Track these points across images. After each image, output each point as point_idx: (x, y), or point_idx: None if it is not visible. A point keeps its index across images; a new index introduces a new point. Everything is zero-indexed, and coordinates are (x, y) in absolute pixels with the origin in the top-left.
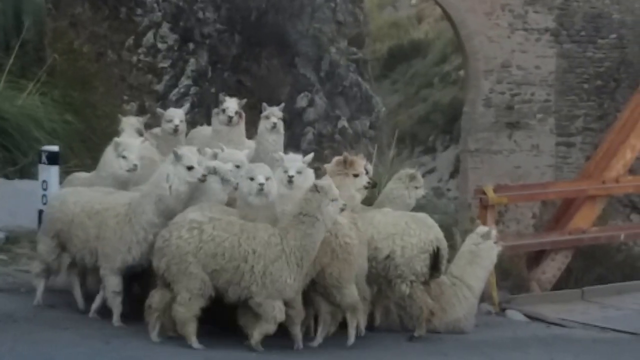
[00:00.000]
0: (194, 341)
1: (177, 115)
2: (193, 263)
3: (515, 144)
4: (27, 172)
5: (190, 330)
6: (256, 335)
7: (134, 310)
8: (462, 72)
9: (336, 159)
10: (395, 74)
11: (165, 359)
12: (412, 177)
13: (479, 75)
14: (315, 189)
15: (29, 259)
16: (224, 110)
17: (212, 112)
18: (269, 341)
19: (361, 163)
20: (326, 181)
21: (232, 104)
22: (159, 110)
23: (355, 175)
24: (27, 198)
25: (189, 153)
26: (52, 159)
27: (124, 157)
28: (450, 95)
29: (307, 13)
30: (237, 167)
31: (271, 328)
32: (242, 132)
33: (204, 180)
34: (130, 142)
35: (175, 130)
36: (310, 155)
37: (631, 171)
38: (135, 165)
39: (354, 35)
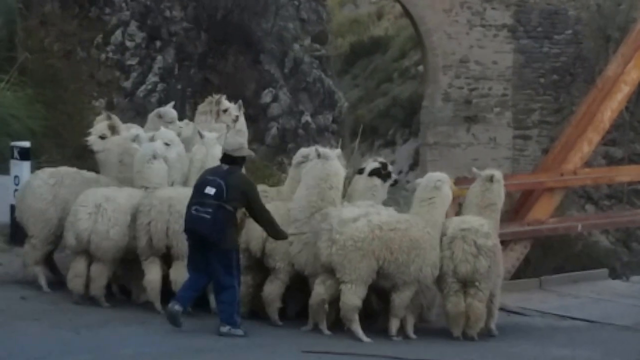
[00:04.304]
0: None
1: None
2: None
3: (473, 137)
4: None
5: None
6: None
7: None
8: (421, 68)
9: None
10: (356, 69)
11: (134, 348)
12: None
13: (437, 70)
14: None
15: (2, 251)
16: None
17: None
18: None
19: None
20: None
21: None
22: (160, 109)
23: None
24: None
25: None
26: (24, 154)
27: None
28: (409, 90)
29: (272, 11)
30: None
31: None
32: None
33: None
34: None
35: None
36: None
37: (587, 163)
38: None
39: (317, 32)
